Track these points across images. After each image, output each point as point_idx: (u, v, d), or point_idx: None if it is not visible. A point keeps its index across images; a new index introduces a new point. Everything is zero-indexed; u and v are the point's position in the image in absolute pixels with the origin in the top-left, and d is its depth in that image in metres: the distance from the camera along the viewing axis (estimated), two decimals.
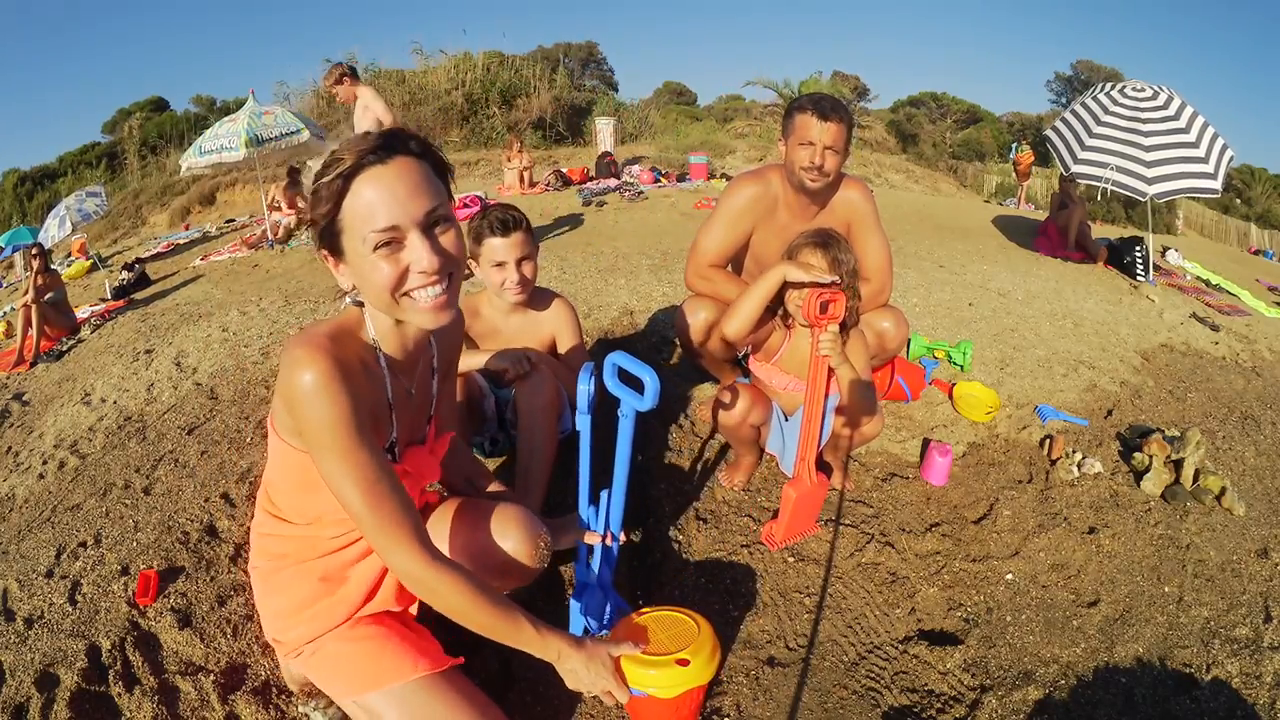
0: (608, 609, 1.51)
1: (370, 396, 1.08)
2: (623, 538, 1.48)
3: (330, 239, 1.03)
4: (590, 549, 1.49)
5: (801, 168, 2.03)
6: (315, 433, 1.00)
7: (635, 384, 1.25)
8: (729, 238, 2.21)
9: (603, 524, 1.46)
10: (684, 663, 1.24)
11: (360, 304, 1.11)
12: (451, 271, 1.05)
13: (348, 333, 1.09)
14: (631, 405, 1.27)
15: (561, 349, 2.08)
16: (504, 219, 1.91)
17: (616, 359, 1.29)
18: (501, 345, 2.00)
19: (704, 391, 2.70)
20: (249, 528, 1.43)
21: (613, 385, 1.30)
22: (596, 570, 1.50)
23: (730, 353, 2.24)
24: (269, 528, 1.24)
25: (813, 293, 1.71)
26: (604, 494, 1.45)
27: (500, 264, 1.92)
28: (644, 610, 1.40)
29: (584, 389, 1.33)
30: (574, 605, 1.50)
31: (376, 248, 0.99)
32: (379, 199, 0.97)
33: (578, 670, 1.16)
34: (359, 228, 0.99)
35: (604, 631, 1.48)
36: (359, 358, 1.07)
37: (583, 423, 1.37)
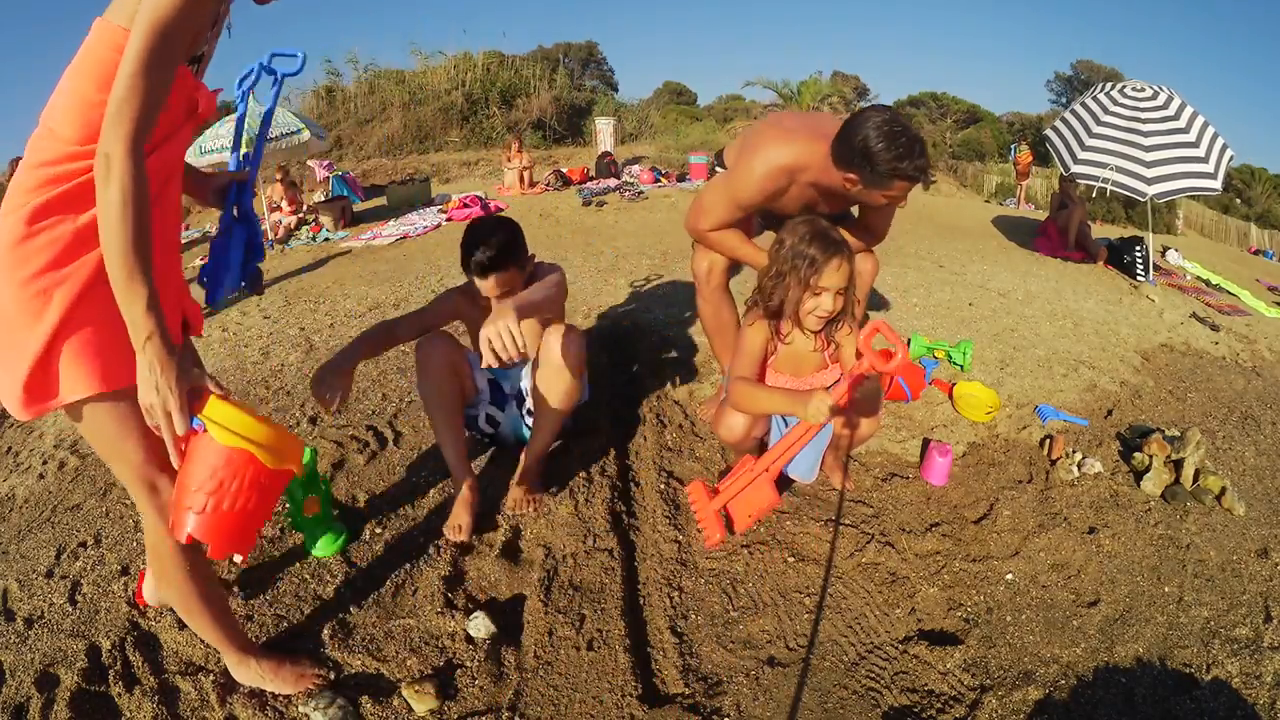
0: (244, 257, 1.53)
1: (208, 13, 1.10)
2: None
3: None
4: (238, 192, 1.52)
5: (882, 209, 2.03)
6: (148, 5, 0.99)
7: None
8: (740, 212, 2.09)
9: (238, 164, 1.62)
10: (262, 419, 1.15)
11: None
12: None
13: None
14: (284, 71, 1.59)
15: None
16: (483, 262, 1.86)
17: (273, 51, 1.60)
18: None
19: (703, 391, 2.70)
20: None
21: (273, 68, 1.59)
22: (236, 207, 1.52)
23: (728, 300, 2.32)
24: (47, 155, 1.06)
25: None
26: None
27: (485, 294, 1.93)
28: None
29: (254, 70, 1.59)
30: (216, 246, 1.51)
31: None
32: None
33: (151, 369, 1.05)
34: None
35: (232, 284, 1.52)
36: None
37: (240, 88, 1.60)
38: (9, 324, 1.06)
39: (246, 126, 1.68)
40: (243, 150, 1.68)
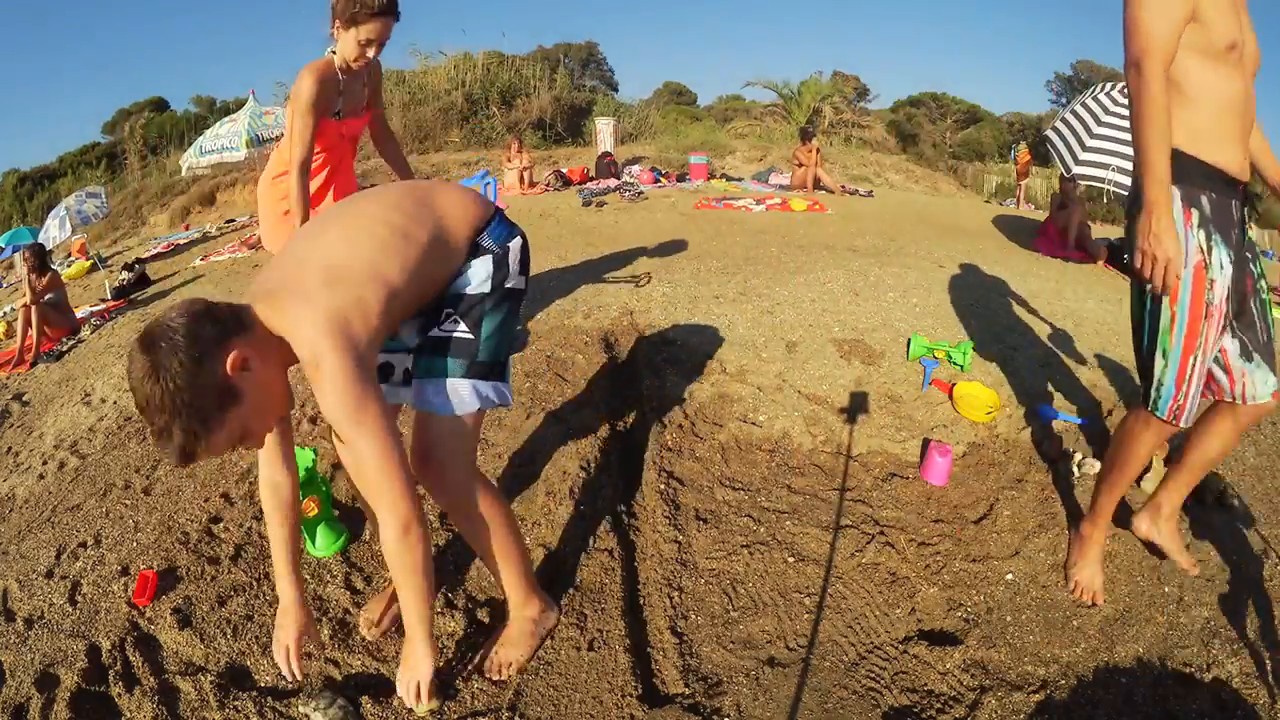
0: None
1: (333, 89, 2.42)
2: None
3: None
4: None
5: None
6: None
7: None
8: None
9: None
10: None
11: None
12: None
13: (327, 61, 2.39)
14: None
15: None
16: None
17: None
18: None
19: (702, 390, 2.70)
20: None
21: None
22: None
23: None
24: (278, 167, 2.58)
25: None
26: None
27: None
28: None
29: None
30: None
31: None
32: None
33: None
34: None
35: None
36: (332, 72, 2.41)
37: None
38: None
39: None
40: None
